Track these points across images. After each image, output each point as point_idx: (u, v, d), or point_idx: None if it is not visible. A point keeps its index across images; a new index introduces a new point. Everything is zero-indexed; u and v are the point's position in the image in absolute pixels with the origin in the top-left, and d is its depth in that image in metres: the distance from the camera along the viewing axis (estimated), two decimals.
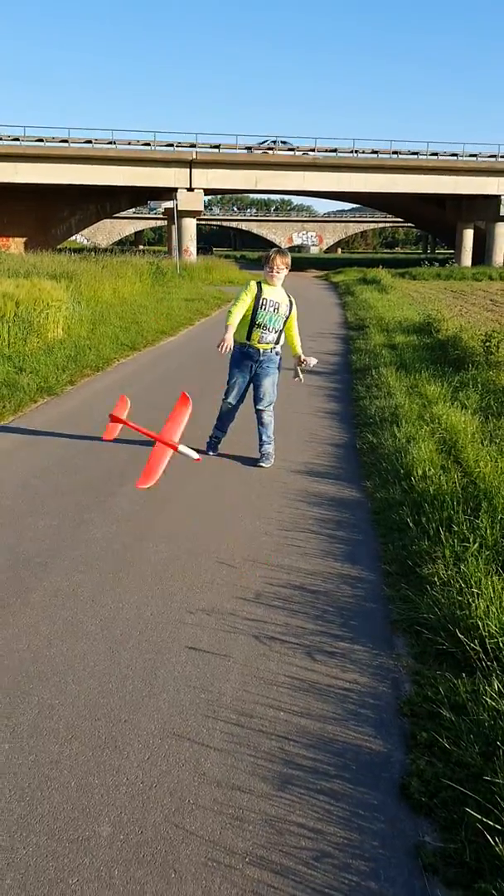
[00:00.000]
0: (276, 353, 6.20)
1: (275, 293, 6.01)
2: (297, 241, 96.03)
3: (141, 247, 74.87)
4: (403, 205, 58.04)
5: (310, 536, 4.80)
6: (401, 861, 2.31)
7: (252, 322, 5.98)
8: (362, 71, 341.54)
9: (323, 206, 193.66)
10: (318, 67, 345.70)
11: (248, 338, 6.04)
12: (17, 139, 39.95)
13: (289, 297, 6.12)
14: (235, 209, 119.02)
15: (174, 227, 38.35)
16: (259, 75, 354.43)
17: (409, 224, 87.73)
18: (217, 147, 43.26)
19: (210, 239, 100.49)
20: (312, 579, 4.18)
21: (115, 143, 41.74)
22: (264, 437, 6.30)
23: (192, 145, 42.48)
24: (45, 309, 11.55)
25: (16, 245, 43.38)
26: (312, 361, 6.40)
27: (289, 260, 6.07)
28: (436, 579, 3.89)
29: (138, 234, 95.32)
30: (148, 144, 42.37)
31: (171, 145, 42.36)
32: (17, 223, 44.20)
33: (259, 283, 6.01)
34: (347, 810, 2.49)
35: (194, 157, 41.53)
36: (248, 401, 6.30)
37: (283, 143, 45.68)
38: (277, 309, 6.01)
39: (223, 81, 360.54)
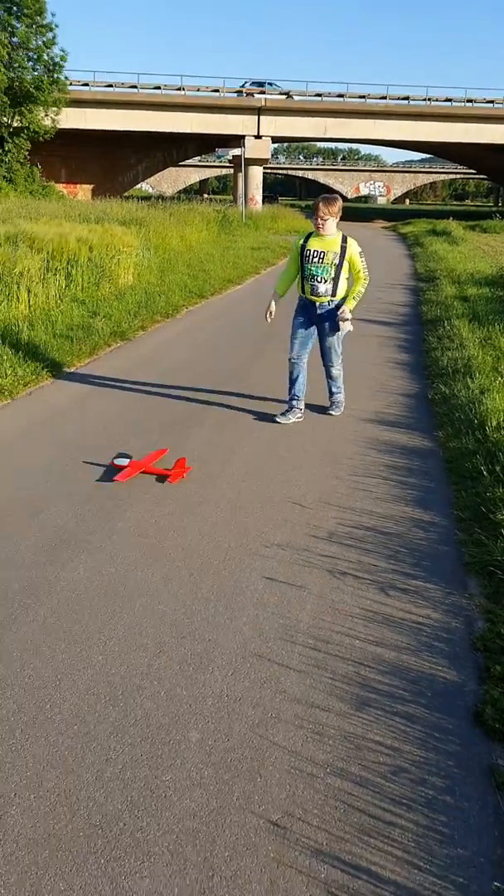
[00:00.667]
0: (337, 307, 5.76)
1: (321, 242, 5.60)
2: (363, 192, 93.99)
3: (206, 195, 74.30)
4: (476, 156, 56.10)
5: (381, 482, 4.86)
6: (475, 780, 2.42)
7: (301, 276, 5.75)
8: (436, 21, 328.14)
9: (391, 156, 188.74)
10: (390, 18, 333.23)
11: (303, 291, 5.80)
12: (86, 84, 39.80)
13: (343, 242, 5.58)
14: (302, 158, 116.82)
15: (240, 176, 37.95)
16: (328, 21, 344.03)
17: (481, 176, 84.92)
18: (287, 94, 42.39)
19: (275, 188, 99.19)
20: (384, 522, 4.26)
21: (183, 90, 41.32)
22: (334, 389, 6.25)
23: (262, 92, 41.71)
24: (116, 255, 11.69)
25: (83, 192, 43.53)
26: (347, 327, 5.75)
27: (335, 207, 5.56)
28: None
29: (203, 182, 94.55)
30: (217, 91, 41.81)
31: (240, 92, 41.69)
32: (84, 170, 44.24)
33: (308, 235, 5.71)
34: (423, 732, 2.61)
35: (263, 104, 40.78)
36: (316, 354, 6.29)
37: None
38: (323, 258, 5.59)
39: (293, 30, 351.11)
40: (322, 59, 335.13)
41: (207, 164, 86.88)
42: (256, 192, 41.79)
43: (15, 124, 32.47)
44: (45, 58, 32.51)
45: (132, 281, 12.00)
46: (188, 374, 7.40)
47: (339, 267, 5.60)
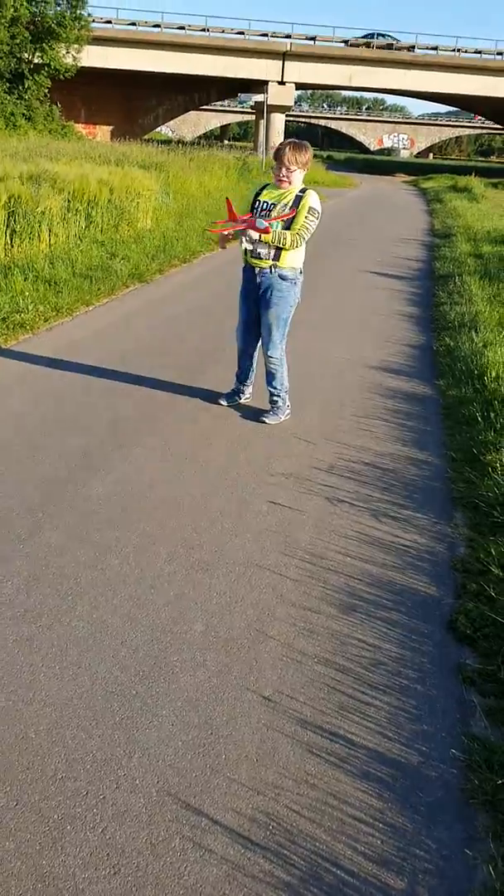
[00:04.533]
0: (281, 277, 4.62)
1: (274, 193, 4.57)
2: (387, 144, 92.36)
3: (226, 141, 73.22)
4: None
5: (381, 424, 5.16)
6: (444, 674, 2.75)
7: None
8: None
9: (417, 108, 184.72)
10: None
11: (245, 254, 4.68)
12: (109, 22, 39.27)
13: (301, 192, 4.51)
14: (326, 106, 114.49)
15: (262, 122, 37.51)
16: None
17: None
18: (313, 39, 41.66)
19: (298, 136, 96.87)
20: (382, 459, 4.56)
21: (208, 31, 40.65)
22: (270, 389, 4.98)
23: (287, 36, 41.06)
24: (135, 198, 11.81)
25: (102, 133, 43.09)
26: (249, 236, 4.47)
27: (305, 156, 4.47)
28: (498, 465, 4.23)
29: (224, 128, 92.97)
30: (242, 33, 41.12)
31: (266, 35, 40.96)
32: (104, 111, 43.74)
33: (265, 186, 4.71)
34: (401, 634, 2.94)
35: (288, 48, 40.09)
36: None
37: (384, 36, 43.58)
38: (271, 210, 4.51)
39: None
40: (349, 4, 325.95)
41: (229, 109, 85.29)
42: (278, 140, 41.15)
43: (36, 61, 32.07)
44: None
45: (150, 225, 12.14)
46: (205, 316, 7.65)
47: (289, 221, 4.48)
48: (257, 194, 4.67)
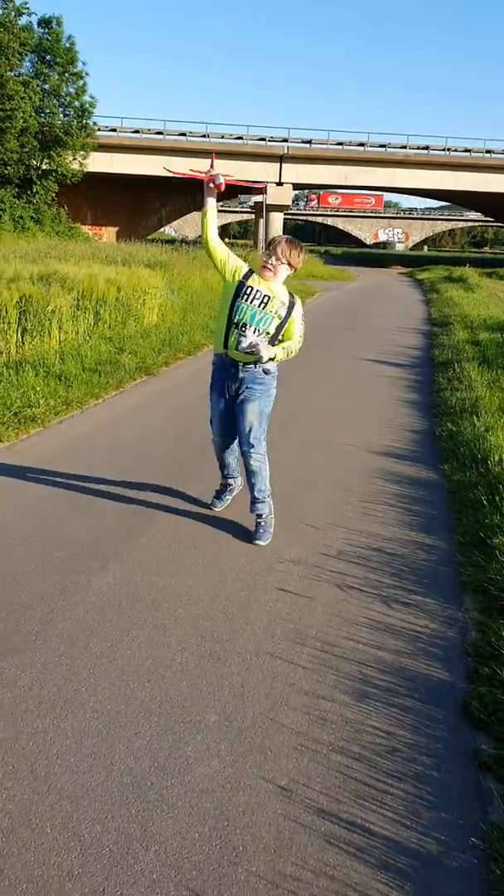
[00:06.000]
0: (265, 371, 4.46)
1: (268, 286, 4.33)
2: (382, 238, 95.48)
3: (227, 240, 75.73)
4: (495, 204, 57.18)
5: (388, 508, 5.22)
6: (459, 760, 2.74)
7: (229, 320, 4.36)
8: (457, 73, 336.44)
9: (410, 202, 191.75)
10: (411, 69, 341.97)
11: (226, 345, 4.41)
12: (113, 130, 41.22)
13: (292, 297, 4.43)
14: None
15: (262, 221, 38.95)
16: (351, 75, 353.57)
17: (500, 224, 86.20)
18: (308, 142, 43.61)
19: (295, 233, 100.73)
20: (389, 544, 4.61)
21: (208, 137, 42.60)
22: (255, 493, 4.62)
23: (284, 140, 42.97)
24: (142, 295, 12.22)
25: (108, 234, 44.71)
26: (258, 349, 4.29)
27: (298, 256, 4.39)
28: None
29: (224, 227, 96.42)
30: (240, 138, 43.05)
31: (264, 139, 42.94)
32: (110, 213, 45.52)
33: (251, 271, 4.41)
34: (415, 720, 2.93)
35: (285, 151, 41.97)
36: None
37: None
38: (266, 304, 4.29)
39: (314, 81, 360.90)
40: (344, 110, 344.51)
41: (229, 209, 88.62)
42: None
43: (43, 167, 33.70)
44: (76, 104, 33.85)
45: (156, 320, 12.52)
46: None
47: (281, 323, 4.36)
48: (247, 276, 4.34)
